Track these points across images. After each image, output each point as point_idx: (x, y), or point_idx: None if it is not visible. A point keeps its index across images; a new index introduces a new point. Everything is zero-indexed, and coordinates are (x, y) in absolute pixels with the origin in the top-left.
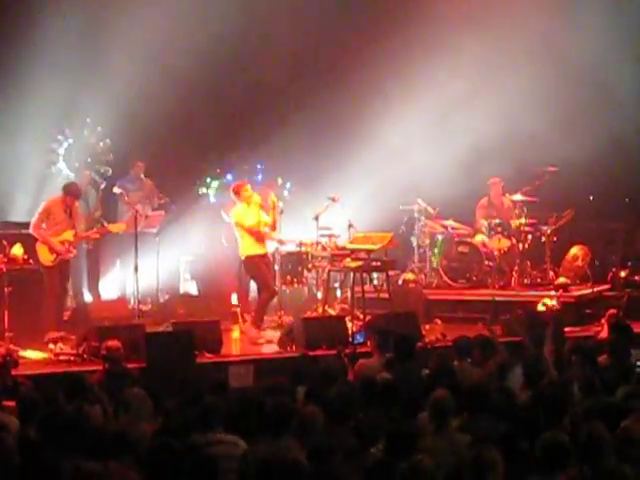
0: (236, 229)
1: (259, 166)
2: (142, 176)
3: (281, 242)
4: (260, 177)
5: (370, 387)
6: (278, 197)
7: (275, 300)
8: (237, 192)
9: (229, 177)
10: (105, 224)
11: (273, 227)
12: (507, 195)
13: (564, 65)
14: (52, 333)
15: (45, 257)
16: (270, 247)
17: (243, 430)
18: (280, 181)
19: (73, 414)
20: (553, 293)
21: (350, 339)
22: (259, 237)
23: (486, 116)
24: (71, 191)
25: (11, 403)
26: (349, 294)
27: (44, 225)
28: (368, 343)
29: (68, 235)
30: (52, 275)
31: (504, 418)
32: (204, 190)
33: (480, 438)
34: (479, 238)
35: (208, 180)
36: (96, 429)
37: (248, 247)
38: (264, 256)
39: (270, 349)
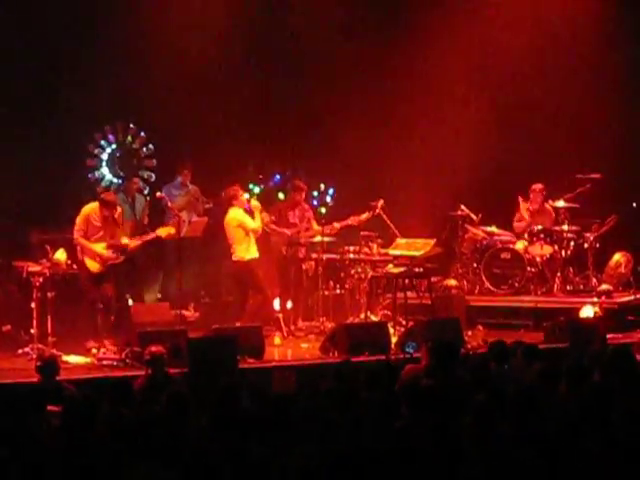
0: (234, 232)
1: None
2: (188, 183)
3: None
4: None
5: (413, 392)
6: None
7: (318, 305)
8: (235, 196)
9: (277, 178)
10: (148, 231)
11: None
12: (550, 202)
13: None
14: (91, 343)
15: (91, 264)
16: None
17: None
18: (323, 187)
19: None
20: (595, 300)
21: (400, 347)
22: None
23: (531, 121)
24: (104, 202)
25: (55, 408)
26: (391, 300)
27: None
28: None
29: (101, 247)
30: (95, 282)
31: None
32: (246, 195)
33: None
34: (521, 245)
35: (250, 186)
36: None
37: (244, 250)
38: (257, 259)
39: (312, 355)
